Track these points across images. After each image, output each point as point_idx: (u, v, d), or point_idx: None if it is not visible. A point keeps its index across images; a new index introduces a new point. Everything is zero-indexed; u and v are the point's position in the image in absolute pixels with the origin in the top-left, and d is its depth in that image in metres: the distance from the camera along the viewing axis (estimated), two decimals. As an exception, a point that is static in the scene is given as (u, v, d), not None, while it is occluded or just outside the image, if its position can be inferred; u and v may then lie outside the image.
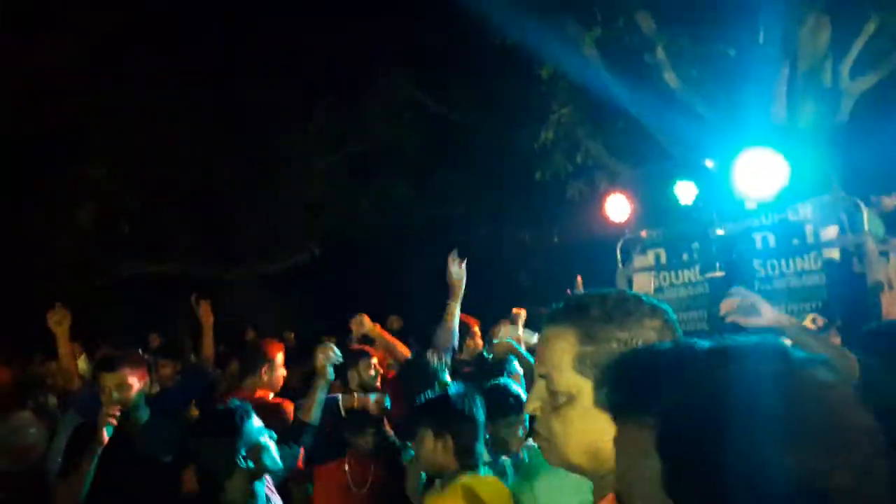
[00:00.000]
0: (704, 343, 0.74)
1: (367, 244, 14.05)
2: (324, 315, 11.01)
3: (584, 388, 1.19)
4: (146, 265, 13.50)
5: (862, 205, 5.80)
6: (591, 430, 1.18)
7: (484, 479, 2.33)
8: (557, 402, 1.23)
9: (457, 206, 14.20)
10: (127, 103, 12.49)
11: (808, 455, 0.64)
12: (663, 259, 6.73)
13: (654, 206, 7.03)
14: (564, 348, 1.23)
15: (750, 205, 6.10)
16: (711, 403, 0.66)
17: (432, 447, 2.43)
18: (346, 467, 4.05)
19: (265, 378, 4.22)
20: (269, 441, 2.66)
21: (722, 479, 0.64)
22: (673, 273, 6.61)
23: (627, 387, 0.75)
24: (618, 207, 7.16)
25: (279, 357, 4.36)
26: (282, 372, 4.40)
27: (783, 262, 5.82)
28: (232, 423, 2.59)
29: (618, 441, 0.76)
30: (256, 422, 2.69)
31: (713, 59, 8.15)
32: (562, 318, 1.27)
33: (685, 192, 6.65)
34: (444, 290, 5.13)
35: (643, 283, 6.60)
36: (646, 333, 1.20)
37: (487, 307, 5.66)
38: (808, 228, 5.75)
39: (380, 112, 13.68)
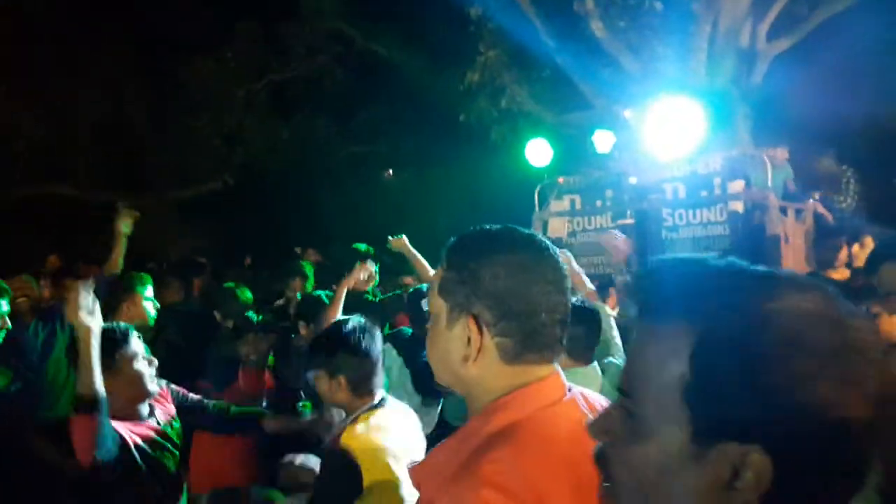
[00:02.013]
0: (754, 267, 0.75)
1: (286, 177, 13.77)
2: (241, 245, 10.80)
3: (441, 310, 1.26)
4: (45, 186, 12.84)
5: (767, 161, 6.06)
6: (444, 350, 1.25)
7: (357, 437, 2.27)
8: (430, 323, 1.30)
9: (379, 144, 14.06)
10: (33, 25, 11.74)
11: (833, 388, 0.66)
12: (578, 205, 6.88)
13: (574, 154, 7.14)
14: (438, 273, 1.30)
15: (663, 156, 6.27)
16: (762, 324, 0.67)
17: (327, 387, 2.38)
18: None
19: (128, 315, 3.65)
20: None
21: (750, 396, 0.66)
22: (586, 219, 6.78)
23: (671, 289, 0.74)
24: (538, 153, 7.23)
25: (144, 290, 3.73)
26: (150, 304, 3.74)
27: (691, 212, 6.05)
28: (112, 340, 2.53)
29: (639, 340, 0.76)
30: (137, 343, 2.61)
31: (640, 12, 8.23)
32: (446, 250, 1.31)
33: (603, 141, 6.78)
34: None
35: (557, 227, 6.75)
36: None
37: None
38: (717, 181, 5.99)
39: (304, 43, 13.28)
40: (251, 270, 7.96)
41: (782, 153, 6.76)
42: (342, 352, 2.38)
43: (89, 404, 2.37)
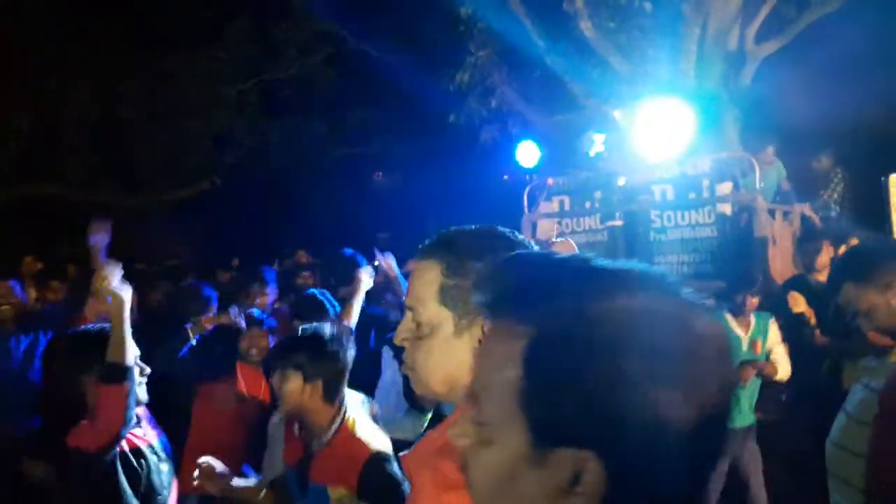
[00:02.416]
0: (604, 262, 0.73)
1: (277, 178, 13.74)
2: (230, 246, 10.77)
3: (445, 319, 1.23)
4: (33, 187, 12.76)
5: (756, 164, 6.08)
6: (450, 360, 1.22)
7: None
8: (422, 332, 1.26)
9: (370, 145, 14.04)
10: (25, 19, 11.66)
11: (666, 392, 0.64)
12: (567, 206, 6.90)
13: (563, 155, 7.15)
14: (430, 280, 1.25)
15: (652, 158, 6.28)
16: (592, 325, 0.65)
17: (300, 390, 2.34)
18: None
19: (92, 311, 3.68)
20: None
21: (580, 401, 0.64)
22: (575, 220, 6.80)
23: (513, 288, 0.71)
24: (528, 154, 7.25)
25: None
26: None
27: (679, 214, 6.07)
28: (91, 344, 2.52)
29: (483, 343, 0.74)
30: None
31: (630, 13, 8.25)
32: (430, 252, 1.28)
33: (593, 142, 6.78)
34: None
35: (546, 229, 6.75)
36: None
37: (397, 248, 5.66)
38: (705, 183, 6.01)
39: (295, 44, 13.24)
40: (239, 272, 7.96)
41: (770, 154, 6.79)
42: (325, 357, 2.38)
43: (121, 373, 2.38)
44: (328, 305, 3.96)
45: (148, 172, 13.59)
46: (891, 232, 4.98)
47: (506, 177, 7.63)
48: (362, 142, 14.02)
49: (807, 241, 5.21)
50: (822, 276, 4.90)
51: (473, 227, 1.32)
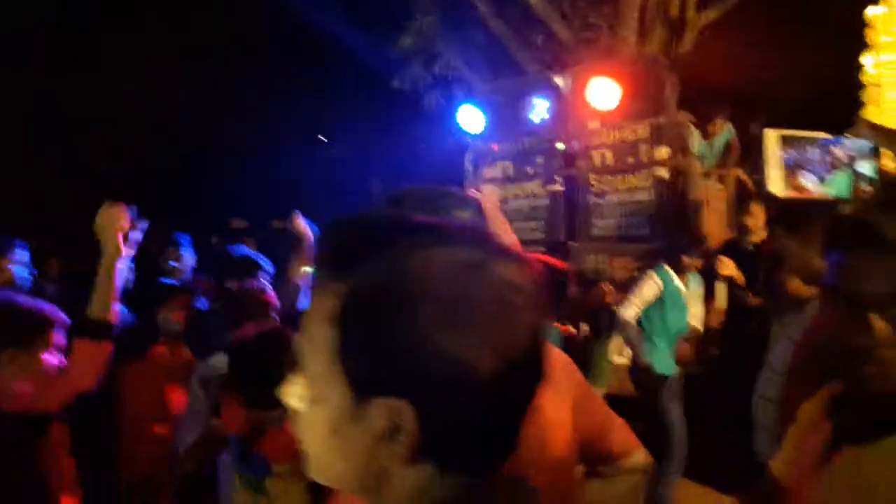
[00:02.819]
0: (422, 217, 0.74)
1: (217, 147, 13.45)
2: (173, 217, 10.52)
3: None
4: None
5: (692, 129, 6.21)
6: None
7: None
8: None
9: (312, 110, 13.82)
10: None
11: (470, 340, 0.66)
12: (510, 171, 6.95)
13: (506, 120, 7.15)
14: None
15: (592, 123, 6.35)
16: (399, 279, 0.67)
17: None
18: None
19: None
20: None
21: (389, 352, 0.66)
22: (518, 185, 6.85)
23: (331, 246, 0.73)
24: (471, 119, 7.22)
25: (11, 255, 3.57)
26: (19, 270, 3.65)
27: (618, 177, 6.17)
28: None
29: (310, 302, 0.75)
30: None
31: (572, -21, 8.27)
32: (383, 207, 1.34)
33: (535, 108, 6.81)
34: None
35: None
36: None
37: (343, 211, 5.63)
38: (643, 148, 6.11)
39: (233, 8, 12.89)
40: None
41: (719, 124, 6.80)
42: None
43: (105, 329, 2.29)
44: (262, 264, 3.85)
45: (86, 155, 13.15)
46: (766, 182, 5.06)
47: (450, 143, 7.63)
48: (304, 107, 13.80)
49: (745, 202, 5.33)
50: (756, 237, 5.04)
51: (422, 185, 1.37)
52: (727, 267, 4.61)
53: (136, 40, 12.61)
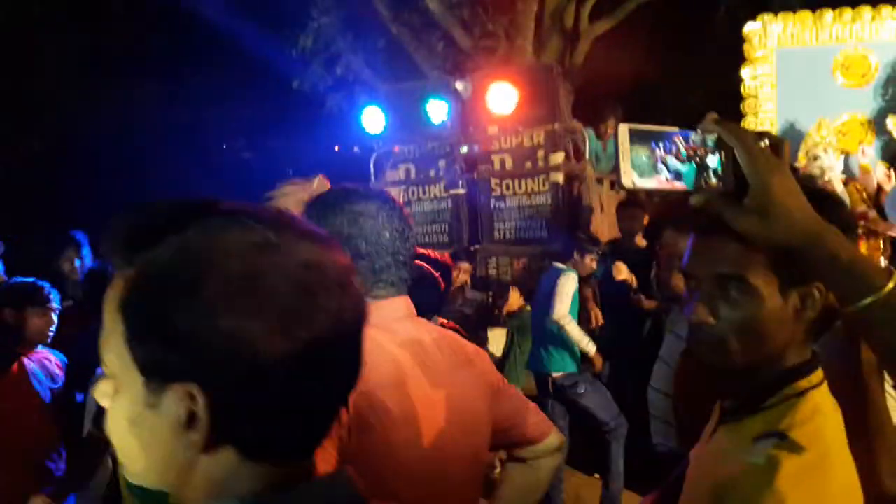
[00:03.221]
0: (218, 202, 0.72)
1: (108, 144, 12.86)
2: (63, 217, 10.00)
3: None
4: None
5: (586, 135, 6.48)
6: None
7: None
8: None
9: (210, 110, 13.45)
10: None
11: (255, 322, 0.65)
12: (413, 174, 7.04)
13: (408, 124, 7.23)
14: None
15: (491, 128, 6.53)
16: (185, 257, 0.66)
17: None
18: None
19: None
20: None
21: (174, 335, 0.65)
22: (420, 188, 6.96)
23: (121, 234, 0.70)
24: (374, 120, 7.25)
25: None
26: None
27: (517, 182, 6.38)
28: None
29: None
30: None
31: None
32: None
33: (436, 111, 6.93)
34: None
35: (393, 196, 6.86)
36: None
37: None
38: (540, 153, 6.34)
39: (120, 2, 12.35)
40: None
41: (612, 126, 7.08)
42: None
43: None
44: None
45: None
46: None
47: (356, 149, 7.66)
48: (202, 107, 13.41)
49: (625, 207, 5.54)
50: (641, 241, 5.31)
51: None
52: (621, 272, 4.81)
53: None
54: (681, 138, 0.98)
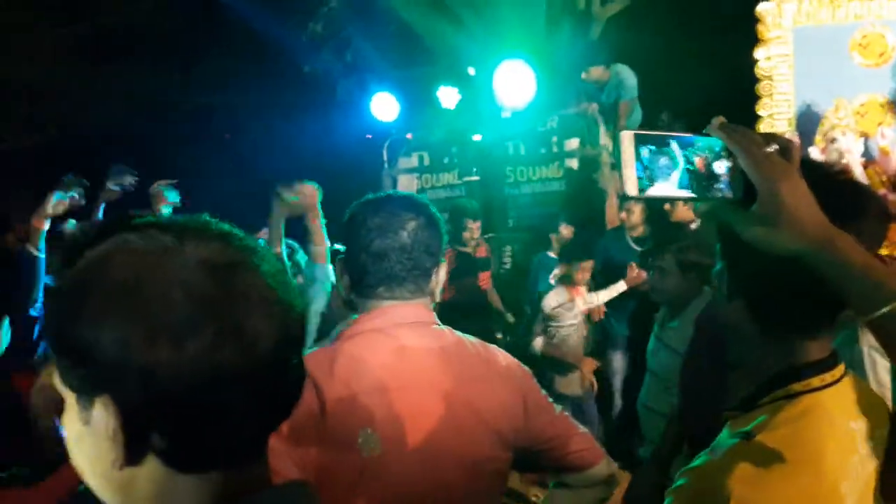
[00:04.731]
0: (138, 216, 0.72)
1: (116, 133, 12.87)
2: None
3: None
4: None
5: (601, 120, 6.43)
6: None
7: None
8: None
9: (221, 97, 13.43)
10: None
11: (140, 326, 0.64)
12: (426, 161, 7.02)
13: (421, 110, 7.22)
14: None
15: (505, 114, 6.49)
16: (80, 268, 0.67)
17: None
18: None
19: None
20: None
21: (78, 347, 0.65)
22: (434, 175, 6.94)
23: (61, 257, 0.72)
24: (385, 106, 7.24)
25: None
26: None
27: (530, 169, 6.34)
28: None
29: None
30: None
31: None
32: None
33: (448, 97, 6.90)
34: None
35: (407, 184, 6.86)
36: None
37: (253, 208, 5.54)
38: (554, 139, 6.30)
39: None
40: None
41: (624, 107, 6.97)
42: None
43: None
44: None
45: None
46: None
47: (369, 136, 7.63)
48: (212, 94, 13.38)
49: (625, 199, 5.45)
50: (635, 234, 5.15)
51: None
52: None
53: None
54: (688, 144, 0.95)
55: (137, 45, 12.77)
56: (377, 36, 9.28)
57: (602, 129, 6.30)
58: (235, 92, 13.25)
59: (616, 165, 6.47)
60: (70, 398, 0.69)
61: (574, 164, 6.15)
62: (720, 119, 0.98)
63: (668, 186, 0.94)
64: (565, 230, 5.08)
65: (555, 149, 6.26)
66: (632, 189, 0.92)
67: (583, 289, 4.62)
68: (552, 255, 5.06)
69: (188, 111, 13.41)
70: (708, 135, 0.95)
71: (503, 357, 1.56)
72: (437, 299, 1.54)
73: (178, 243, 0.67)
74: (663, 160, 0.94)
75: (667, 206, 5.08)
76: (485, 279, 5.03)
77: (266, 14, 10.63)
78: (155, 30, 12.73)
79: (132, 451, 0.66)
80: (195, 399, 0.65)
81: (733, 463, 0.96)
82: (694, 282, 3.03)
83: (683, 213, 5.00)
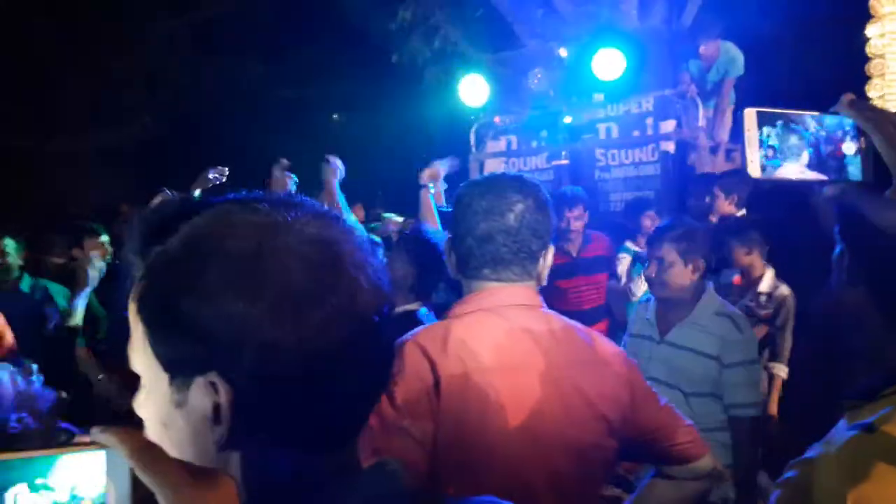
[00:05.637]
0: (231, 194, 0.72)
1: (214, 121, 13.29)
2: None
3: None
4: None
5: (699, 102, 6.18)
6: None
7: None
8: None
9: (312, 86, 13.69)
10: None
11: (263, 302, 0.62)
12: (514, 145, 6.92)
13: (509, 94, 7.12)
14: None
15: (597, 96, 6.32)
16: (188, 243, 0.65)
17: None
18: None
19: None
20: None
21: (185, 323, 0.63)
22: (522, 159, 6.83)
23: (140, 231, 0.70)
24: (474, 90, 7.16)
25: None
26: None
27: (623, 152, 6.16)
28: None
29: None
30: None
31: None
32: None
33: (538, 80, 6.77)
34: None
35: (494, 168, 6.77)
36: None
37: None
38: (648, 121, 6.09)
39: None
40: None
41: (714, 47, 6.55)
42: None
43: None
44: None
45: (71, 115, 12.96)
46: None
47: (453, 118, 7.62)
48: (304, 83, 13.65)
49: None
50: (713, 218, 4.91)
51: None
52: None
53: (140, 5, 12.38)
54: (815, 123, 0.85)
55: (236, 39, 13.16)
56: (465, 20, 9.24)
57: (701, 110, 6.05)
58: (325, 82, 13.48)
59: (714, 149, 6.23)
60: (155, 379, 0.67)
61: (670, 147, 5.93)
62: (849, 96, 0.89)
63: (795, 168, 0.85)
64: (648, 220, 4.80)
65: (649, 131, 6.05)
66: (755, 169, 0.84)
67: None
68: (632, 246, 4.77)
69: (279, 101, 13.72)
70: (836, 112, 0.85)
71: (610, 345, 1.56)
72: (545, 282, 1.54)
73: (286, 218, 0.66)
74: (792, 139, 0.85)
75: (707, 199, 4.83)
76: None
77: (356, 4, 10.76)
78: (249, 24, 13.10)
79: (237, 431, 0.64)
80: (310, 375, 0.64)
81: (853, 456, 0.89)
82: (699, 275, 2.85)
83: (725, 207, 4.74)
